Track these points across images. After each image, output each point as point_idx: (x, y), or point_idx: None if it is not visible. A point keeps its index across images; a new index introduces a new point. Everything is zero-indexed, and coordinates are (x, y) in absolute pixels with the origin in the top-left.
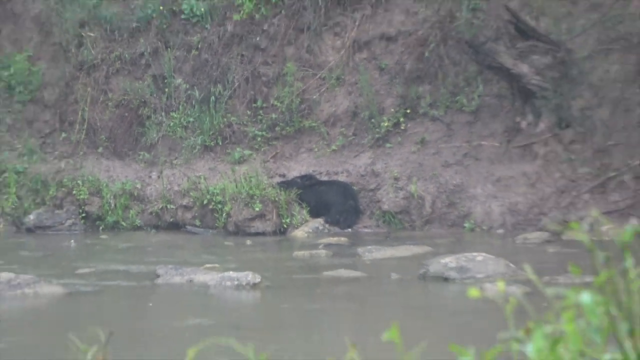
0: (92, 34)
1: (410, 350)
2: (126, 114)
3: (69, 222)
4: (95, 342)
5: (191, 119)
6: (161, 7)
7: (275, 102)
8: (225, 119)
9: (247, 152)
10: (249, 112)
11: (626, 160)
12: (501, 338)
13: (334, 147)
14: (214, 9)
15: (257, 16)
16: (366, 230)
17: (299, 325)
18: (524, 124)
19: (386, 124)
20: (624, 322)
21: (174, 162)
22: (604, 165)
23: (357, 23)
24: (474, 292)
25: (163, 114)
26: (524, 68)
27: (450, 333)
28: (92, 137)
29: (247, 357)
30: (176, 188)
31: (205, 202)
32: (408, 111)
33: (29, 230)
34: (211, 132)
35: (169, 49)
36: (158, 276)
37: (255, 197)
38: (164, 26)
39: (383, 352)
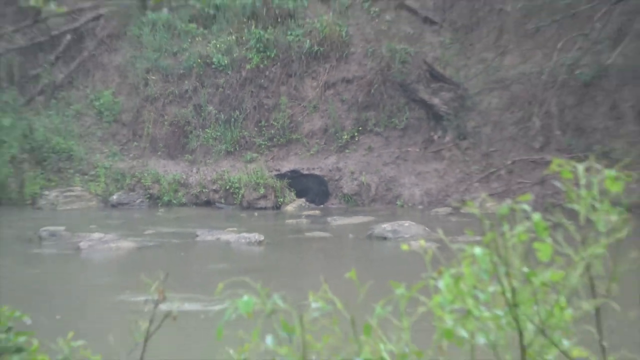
0: (153, 77)
1: (362, 285)
2: (176, 130)
3: (139, 200)
4: (156, 279)
5: (218, 133)
6: (199, 60)
7: (274, 122)
8: (240, 133)
9: (254, 155)
10: (256, 129)
11: (502, 161)
12: (423, 277)
13: (311, 152)
14: (233, 61)
15: (261, 66)
16: (333, 206)
17: (289, 268)
18: (435, 137)
19: (345, 137)
20: (502, 267)
21: (207, 161)
22: (488, 164)
23: (327, 71)
24: (404, 247)
25: (200, 130)
26: (435, 100)
27: (388, 273)
28: (154, 145)
29: (256, 290)
30: (208, 178)
31: (227, 187)
32: (360, 128)
33: (113, 206)
34: (231, 142)
35: (204, 87)
36: (197, 236)
37: (260, 184)
38: (201, 72)
39: (345, 286)
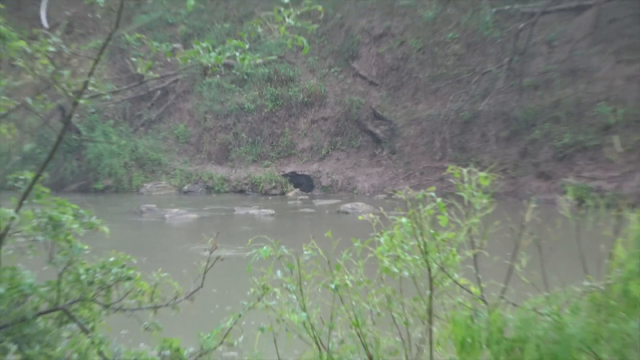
0: (209, 116)
1: (334, 240)
2: (222, 148)
3: (200, 189)
4: (211, 236)
5: (247, 150)
6: (236, 106)
7: (280, 143)
8: (260, 150)
9: (269, 162)
10: (270, 147)
11: (416, 167)
12: (371, 235)
13: (303, 161)
14: (257, 107)
15: (273, 110)
16: (316, 193)
17: (289, 230)
18: (377, 152)
19: (323, 152)
20: (418, 230)
21: (241, 166)
22: (408, 169)
23: (312, 112)
24: (360, 217)
25: (237, 147)
26: (377, 131)
27: (349, 234)
28: (209, 156)
29: (271, 243)
30: (242, 176)
31: (253, 182)
32: (332, 147)
33: (184, 193)
34: (255, 155)
35: (239, 122)
36: (234, 211)
37: (272, 180)
38: (237, 113)
39: (324, 241)
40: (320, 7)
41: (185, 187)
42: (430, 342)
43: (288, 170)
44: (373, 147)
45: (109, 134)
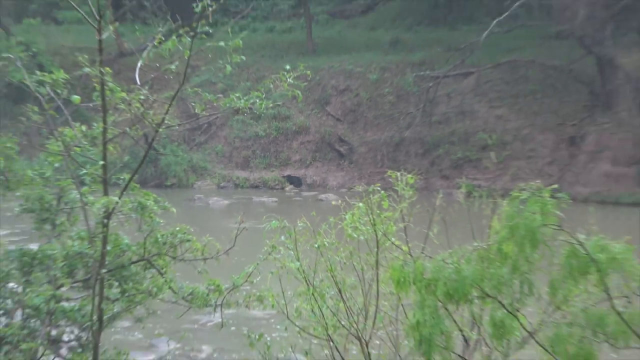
0: (237, 140)
1: (317, 218)
2: (245, 160)
3: (230, 186)
4: (239, 214)
5: (260, 161)
6: (253, 133)
7: (281, 157)
8: (268, 162)
9: (274, 169)
10: (274, 160)
11: (367, 172)
12: (340, 215)
13: (295, 168)
14: (266, 135)
15: (277, 136)
16: (303, 188)
17: (287, 212)
18: (341, 162)
19: (308, 163)
20: (369, 211)
21: (256, 171)
22: (362, 173)
23: (301, 138)
24: (333, 203)
25: (254, 160)
26: (341, 149)
27: (326, 213)
28: (236, 165)
29: (277, 219)
30: (256, 177)
31: (263, 181)
32: (313, 160)
33: (220, 188)
34: (265, 165)
35: (255, 144)
36: (252, 199)
37: (276, 180)
38: (254, 138)
39: (310, 218)
40: (308, 72)
41: (221, 184)
42: (377, 281)
43: (286, 173)
44: (338, 159)
45: (175, 151)
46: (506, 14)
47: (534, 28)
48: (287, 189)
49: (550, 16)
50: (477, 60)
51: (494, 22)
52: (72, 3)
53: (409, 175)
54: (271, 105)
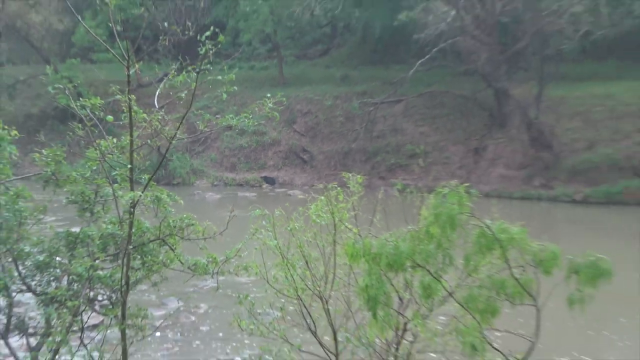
0: (227, 150)
1: (288, 208)
2: (232, 164)
3: (221, 184)
4: (230, 205)
5: (245, 165)
6: (239, 144)
7: (260, 162)
8: (249, 166)
9: (254, 172)
10: (255, 164)
11: (324, 174)
12: (307, 205)
13: (270, 171)
14: (249, 145)
15: (257, 146)
16: (276, 186)
17: (264, 204)
18: (305, 167)
19: (280, 166)
20: (329, 202)
21: (239, 173)
22: (321, 175)
23: (274, 148)
24: (299, 196)
25: (239, 164)
26: (305, 157)
27: (296, 205)
28: (226, 168)
29: (259, 208)
30: (241, 177)
31: (246, 180)
32: (284, 166)
33: (214, 186)
34: (247, 169)
35: (240, 153)
36: (237, 194)
37: (255, 180)
38: (240, 148)
39: (284, 207)
40: (284, 99)
41: (215, 183)
42: (335, 255)
43: (263, 175)
44: (302, 164)
45: (180, 158)
46: (427, 56)
47: (447, 67)
48: (263, 186)
49: (460, 58)
50: (406, 91)
51: (418, 62)
52: (108, 47)
53: (359, 176)
54: (256, 123)
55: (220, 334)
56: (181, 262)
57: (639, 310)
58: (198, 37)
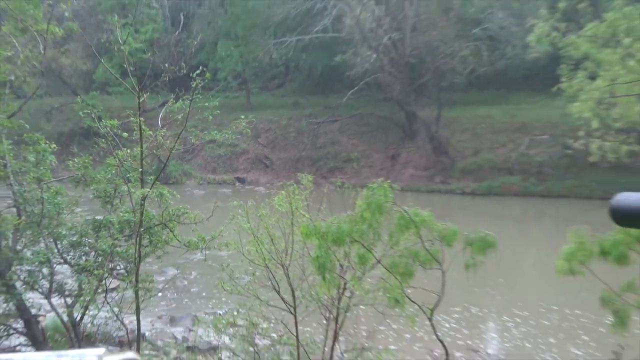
0: (210, 157)
1: (257, 199)
2: (212, 168)
3: (205, 183)
4: (214, 197)
5: (222, 169)
6: (218, 153)
7: (232, 166)
8: (226, 169)
9: (229, 173)
10: (230, 168)
11: (284, 175)
12: (272, 198)
13: (241, 172)
14: (226, 154)
15: (231, 155)
16: (246, 184)
17: (238, 197)
18: (266, 170)
19: (248, 169)
20: (287, 195)
21: (218, 174)
22: (280, 175)
23: (244, 156)
24: (265, 192)
25: (218, 168)
26: (267, 162)
27: (263, 198)
28: (208, 171)
29: (236, 200)
30: (220, 178)
31: (223, 180)
32: (250, 168)
33: (199, 184)
34: (224, 170)
35: (219, 160)
36: (217, 190)
37: (230, 179)
38: (218, 157)
39: (254, 200)
40: (254, 119)
41: (200, 182)
42: (292, 234)
43: (236, 175)
44: (265, 168)
45: (174, 164)
46: (356, 88)
47: (371, 96)
48: (236, 184)
49: (380, 89)
50: (341, 113)
51: (349, 92)
52: (122, 81)
53: (309, 176)
54: (232, 138)
55: (204, 294)
56: (178, 241)
57: (513, 274)
58: (190, 74)
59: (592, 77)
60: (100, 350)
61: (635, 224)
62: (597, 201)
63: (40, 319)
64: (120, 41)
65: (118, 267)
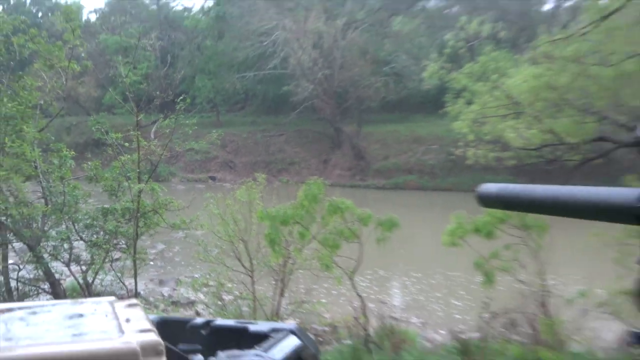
0: (189, 162)
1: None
2: (191, 169)
3: (185, 180)
4: (193, 192)
5: (199, 170)
6: (196, 158)
7: (208, 168)
8: (203, 171)
9: (205, 174)
10: (206, 170)
11: (245, 175)
12: (236, 193)
13: (212, 172)
14: (202, 159)
15: (206, 160)
16: (216, 181)
17: (212, 190)
18: (232, 171)
19: (218, 171)
20: (249, 191)
21: (197, 175)
22: (242, 175)
23: (215, 160)
24: (228, 187)
25: (195, 170)
26: (231, 165)
27: (229, 191)
28: (188, 172)
29: (211, 193)
30: (197, 177)
31: (200, 179)
32: (220, 170)
33: (181, 181)
34: (200, 172)
35: (197, 163)
36: (195, 186)
37: (205, 177)
38: (197, 161)
39: (225, 193)
40: (222, 134)
41: (181, 180)
42: (251, 217)
43: (209, 175)
44: (230, 169)
45: (162, 166)
46: (297, 110)
47: (309, 116)
48: (209, 182)
49: (316, 111)
50: (286, 128)
51: (293, 113)
52: (124, 104)
53: (263, 175)
54: (207, 146)
55: (184, 263)
56: (166, 223)
57: (411, 246)
58: (174, 100)
59: (469, 103)
60: (111, 297)
61: (493, 205)
62: (471, 193)
63: (62, 282)
64: (123, 75)
65: (120, 243)
